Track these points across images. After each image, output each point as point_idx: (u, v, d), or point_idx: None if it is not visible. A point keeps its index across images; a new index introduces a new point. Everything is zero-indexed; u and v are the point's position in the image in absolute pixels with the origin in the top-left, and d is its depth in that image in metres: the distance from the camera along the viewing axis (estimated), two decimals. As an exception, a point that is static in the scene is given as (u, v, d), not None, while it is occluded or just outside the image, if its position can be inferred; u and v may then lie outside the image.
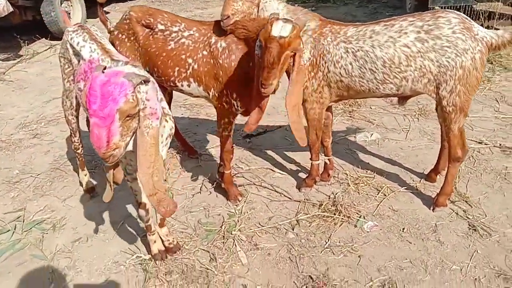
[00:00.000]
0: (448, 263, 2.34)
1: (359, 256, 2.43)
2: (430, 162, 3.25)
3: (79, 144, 2.94)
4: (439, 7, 5.48)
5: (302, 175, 3.22)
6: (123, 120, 1.61)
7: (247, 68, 2.44)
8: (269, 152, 3.58)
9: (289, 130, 3.85)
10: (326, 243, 2.53)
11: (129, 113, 1.61)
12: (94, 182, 3.19)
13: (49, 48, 6.76)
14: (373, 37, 2.38)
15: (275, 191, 3.05)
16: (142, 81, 1.63)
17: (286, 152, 3.57)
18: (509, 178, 3.02)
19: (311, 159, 2.94)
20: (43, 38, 7.13)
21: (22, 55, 6.48)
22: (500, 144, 3.44)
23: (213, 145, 3.71)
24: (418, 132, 3.73)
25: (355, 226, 2.67)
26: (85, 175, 3.08)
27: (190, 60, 2.59)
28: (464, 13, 5.55)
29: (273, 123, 4.07)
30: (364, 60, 2.39)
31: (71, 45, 2.40)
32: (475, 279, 2.23)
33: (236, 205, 2.90)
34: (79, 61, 2.38)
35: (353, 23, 2.54)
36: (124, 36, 2.78)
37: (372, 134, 3.69)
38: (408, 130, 3.76)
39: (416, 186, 3.02)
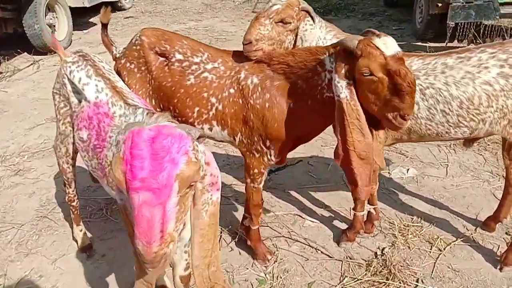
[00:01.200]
0: None
1: (427, 338, 1.98)
2: (481, 206, 2.85)
3: (74, 196, 2.42)
4: (457, 23, 5.13)
5: (337, 223, 2.76)
6: (183, 193, 1.10)
7: (286, 109, 1.97)
8: (293, 193, 3.10)
9: (313, 165, 3.41)
10: (385, 320, 2.07)
11: (192, 181, 1.11)
12: (89, 235, 2.66)
13: (32, 64, 6.16)
14: (446, 72, 1.94)
15: (309, 245, 2.57)
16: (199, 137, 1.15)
17: (312, 193, 3.10)
18: None
19: (354, 209, 2.49)
20: (25, 53, 6.54)
21: (1, 72, 5.87)
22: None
23: (230, 184, 3.22)
24: (459, 167, 3.31)
25: (414, 294, 2.22)
26: (81, 230, 2.55)
27: (213, 99, 2.10)
28: (485, 28, 5.29)
29: (292, 155, 3.60)
30: (436, 100, 1.95)
31: (70, 81, 1.90)
32: None
33: (265, 267, 2.42)
34: (80, 101, 1.87)
35: (416, 54, 2.10)
36: (133, 66, 2.28)
37: (408, 169, 3.25)
38: (447, 165, 3.34)
39: (472, 237, 2.59)
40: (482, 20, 5.01)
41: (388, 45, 1.59)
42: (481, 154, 3.42)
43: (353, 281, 2.29)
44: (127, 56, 2.32)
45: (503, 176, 3.13)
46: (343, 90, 1.67)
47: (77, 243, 2.58)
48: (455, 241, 2.55)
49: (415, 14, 6.39)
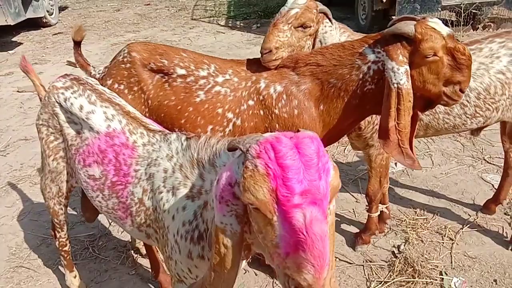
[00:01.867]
0: None
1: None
2: (474, 190, 2.94)
3: (66, 240, 2.10)
4: (403, 17, 5.35)
5: (346, 227, 2.70)
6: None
7: (317, 112, 1.84)
8: (292, 201, 2.99)
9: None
10: (427, 321, 2.03)
11: (338, 189, 0.99)
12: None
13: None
14: (461, 64, 1.95)
15: (326, 254, 2.47)
16: None
17: (310, 198, 3.01)
18: None
19: (368, 211, 2.43)
20: None
21: None
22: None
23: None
24: (441, 155, 3.41)
25: (442, 287, 2.21)
26: (75, 276, 2.23)
27: (230, 115, 1.90)
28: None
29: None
30: (454, 92, 1.95)
31: (65, 109, 1.62)
32: None
33: (288, 284, 2.28)
34: (79, 132, 1.61)
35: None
36: (122, 87, 2.00)
37: (396, 163, 3.29)
38: (431, 154, 3.42)
39: (476, 222, 2.65)
40: (427, 13, 5.28)
41: (440, 25, 1.59)
42: (457, 141, 3.56)
43: (380, 285, 2.23)
44: (114, 76, 2.05)
45: (484, 159, 3.29)
46: (403, 76, 1.61)
47: (71, 292, 2.26)
48: (462, 228, 2.60)
49: (357, 11, 6.59)
